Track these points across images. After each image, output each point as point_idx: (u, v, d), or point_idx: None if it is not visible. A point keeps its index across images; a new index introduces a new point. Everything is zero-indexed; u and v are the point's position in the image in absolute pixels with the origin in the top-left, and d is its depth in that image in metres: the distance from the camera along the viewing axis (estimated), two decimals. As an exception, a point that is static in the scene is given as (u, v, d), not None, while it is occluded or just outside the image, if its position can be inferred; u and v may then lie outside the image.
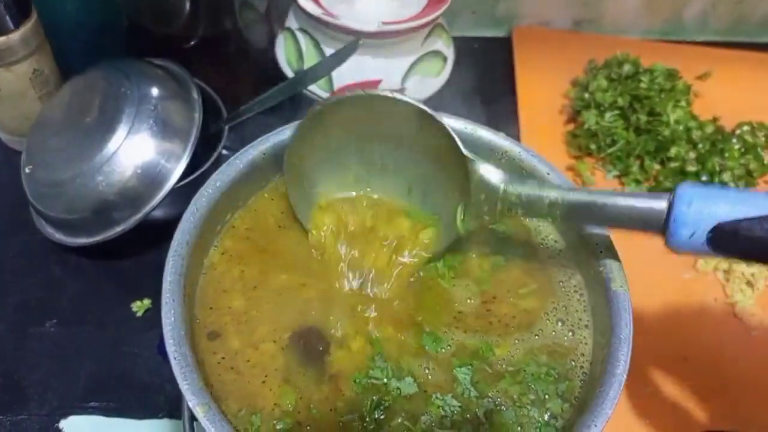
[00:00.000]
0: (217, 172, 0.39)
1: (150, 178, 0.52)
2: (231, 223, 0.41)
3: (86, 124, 0.53)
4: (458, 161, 0.36)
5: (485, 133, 0.43)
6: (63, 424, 0.48)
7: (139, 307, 0.53)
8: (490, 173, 0.35)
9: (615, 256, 0.37)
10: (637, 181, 0.65)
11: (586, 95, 0.69)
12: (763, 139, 0.69)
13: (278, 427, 0.33)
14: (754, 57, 0.78)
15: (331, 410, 0.34)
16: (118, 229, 0.53)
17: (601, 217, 0.33)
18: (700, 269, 0.59)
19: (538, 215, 0.35)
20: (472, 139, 0.42)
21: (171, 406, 0.49)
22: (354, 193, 0.41)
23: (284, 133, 0.42)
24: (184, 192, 0.53)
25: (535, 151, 0.42)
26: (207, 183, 0.39)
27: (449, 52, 0.67)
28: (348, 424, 0.33)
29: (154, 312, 0.54)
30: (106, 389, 0.50)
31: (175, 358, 0.32)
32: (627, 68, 0.71)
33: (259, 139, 0.41)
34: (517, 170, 0.42)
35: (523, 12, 0.80)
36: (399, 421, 0.34)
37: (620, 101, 0.68)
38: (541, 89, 0.73)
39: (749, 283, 0.59)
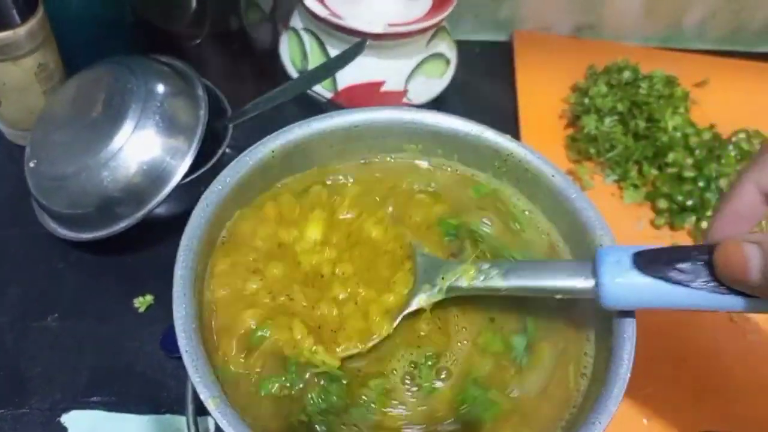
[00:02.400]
0: (227, 168, 0.40)
1: (155, 175, 0.52)
2: (238, 218, 0.41)
3: (92, 119, 0.53)
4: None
5: (491, 135, 0.43)
6: (64, 418, 0.48)
7: (141, 302, 0.54)
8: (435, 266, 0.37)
9: None
10: (635, 186, 0.66)
11: (586, 100, 0.70)
12: (758, 146, 0.70)
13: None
14: (751, 66, 0.80)
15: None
16: (122, 224, 0.53)
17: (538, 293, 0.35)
18: (697, 273, 0.60)
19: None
20: (477, 140, 0.43)
21: (173, 401, 0.49)
22: None
23: (293, 131, 0.42)
24: (187, 189, 0.53)
25: (540, 153, 0.42)
26: (217, 179, 0.39)
27: (452, 55, 0.68)
28: None
29: (156, 308, 0.54)
30: (107, 384, 0.50)
31: (186, 351, 0.32)
32: (626, 74, 0.72)
33: (269, 136, 0.42)
34: (521, 172, 0.43)
35: (525, 17, 0.81)
36: None
37: (619, 107, 0.69)
38: (542, 93, 0.74)
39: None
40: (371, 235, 0.41)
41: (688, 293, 0.30)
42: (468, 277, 0.36)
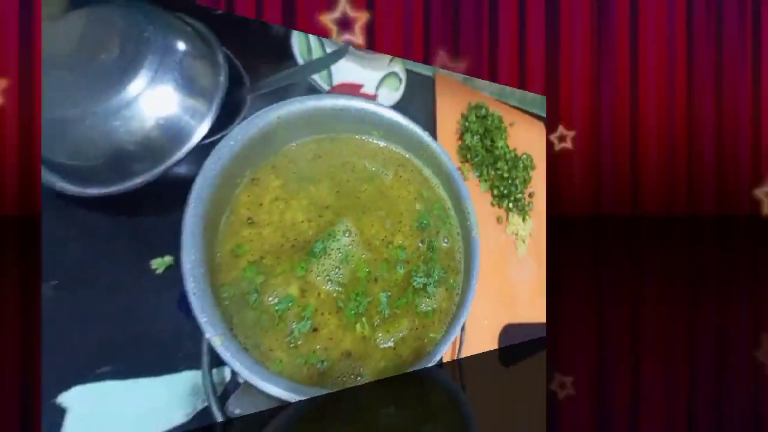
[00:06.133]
0: (238, 127, 0.24)
1: (173, 132, 0.31)
2: (250, 177, 0.25)
3: (100, 62, 0.28)
4: None
5: (419, 131, 0.37)
6: (66, 395, 0.26)
7: (160, 264, 0.30)
8: None
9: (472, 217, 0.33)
10: (485, 180, 0.65)
11: (466, 123, 0.66)
12: (529, 162, 0.75)
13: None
14: (529, 119, 0.84)
15: None
16: (138, 180, 0.30)
17: None
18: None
19: None
20: (408, 132, 0.38)
21: (190, 360, 0.30)
22: None
23: (294, 104, 0.28)
24: (206, 153, 0.33)
25: (448, 153, 0.37)
26: (229, 135, 0.24)
27: (403, 76, 0.56)
28: None
29: (176, 269, 0.32)
30: (119, 352, 0.28)
31: (194, 294, 0.19)
32: (483, 110, 0.69)
33: (277, 104, 0.28)
34: (432, 158, 0.38)
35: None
36: None
37: (480, 130, 0.66)
38: (448, 114, 0.67)
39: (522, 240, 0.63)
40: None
41: None
42: None
